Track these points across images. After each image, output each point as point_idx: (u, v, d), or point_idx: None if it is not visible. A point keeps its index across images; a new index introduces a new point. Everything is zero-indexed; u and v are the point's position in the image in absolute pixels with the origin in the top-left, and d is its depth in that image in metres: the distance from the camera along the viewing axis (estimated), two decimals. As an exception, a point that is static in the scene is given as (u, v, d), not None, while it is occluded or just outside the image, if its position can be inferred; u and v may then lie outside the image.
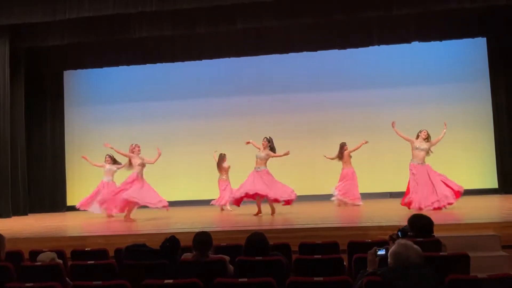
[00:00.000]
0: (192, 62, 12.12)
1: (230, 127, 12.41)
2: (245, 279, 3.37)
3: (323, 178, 10.86)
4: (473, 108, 11.63)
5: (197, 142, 12.26)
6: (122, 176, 9.65)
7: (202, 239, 4.02)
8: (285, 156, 8.97)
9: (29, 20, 10.27)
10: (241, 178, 9.77)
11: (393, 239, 4.16)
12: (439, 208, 7.97)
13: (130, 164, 9.05)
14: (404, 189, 9.33)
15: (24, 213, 11.38)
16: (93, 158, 10.67)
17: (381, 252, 3.45)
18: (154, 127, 12.67)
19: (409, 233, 4.25)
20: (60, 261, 4.24)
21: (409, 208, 8.19)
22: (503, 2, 9.85)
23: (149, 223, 8.45)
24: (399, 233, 4.29)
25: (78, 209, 10.41)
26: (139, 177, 8.93)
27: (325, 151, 10.61)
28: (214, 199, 10.47)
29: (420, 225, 4.26)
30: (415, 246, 3.10)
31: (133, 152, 9.16)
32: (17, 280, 3.97)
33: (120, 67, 12.52)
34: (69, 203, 12.68)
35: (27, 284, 3.46)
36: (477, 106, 11.62)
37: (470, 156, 11.48)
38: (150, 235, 6.67)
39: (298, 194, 9.13)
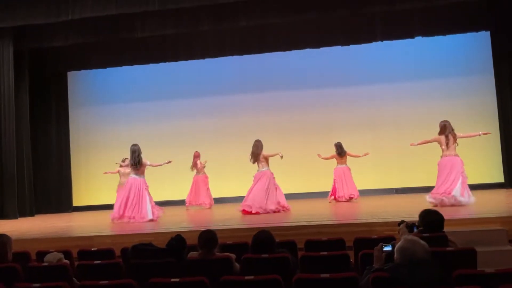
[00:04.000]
0: (196, 60, 12.14)
1: (235, 125, 12.42)
2: (252, 277, 3.36)
3: (329, 175, 10.82)
4: (478, 102, 11.58)
5: (203, 141, 12.27)
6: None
7: (208, 237, 4.02)
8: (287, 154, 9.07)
9: (32, 21, 10.30)
10: (245, 177, 9.80)
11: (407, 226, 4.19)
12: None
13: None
14: (409, 185, 9.32)
15: (30, 214, 11.43)
16: (99, 158, 10.69)
17: (388, 248, 3.44)
18: (158, 127, 12.71)
19: (419, 228, 4.24)
20: (67, 261, 4.25)
21: None
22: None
23: (155, 222, 8.45)
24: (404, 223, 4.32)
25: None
26: None
27: (330, 148, 10.60)
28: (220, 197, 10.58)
29: (431, 220, 4.24)
30: (422, 241, 3.09)
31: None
32: (24, 280, 3.98)
33: (124, 67, 12.55)
34: (75, 203, 12.74)
35: (35, 285, 3.47)
36: (482, 100, 11.56)
37: (475, 150, 11.39)
38: (156, 234, 6.67)
39: (304, 191, 9.16)
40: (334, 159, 10.42)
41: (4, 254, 4.24)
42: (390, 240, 4.24)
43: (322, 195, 10.90)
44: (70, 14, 9.94)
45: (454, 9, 10.70)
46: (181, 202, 11.86)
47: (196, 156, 11.06)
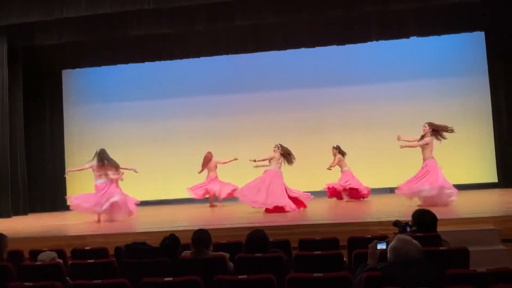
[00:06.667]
0: (191, 59, 12.12)
1: (230, 125, 12.41)
2: (245, 276, 3.36)
3: (322, 174, 10.85)
4: (472, 102, 11.62)
5: (197, 140, 12.25)
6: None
7: (201, 237, 4.02)
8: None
9: (26, 19, 10.23)
10: (240, 176, 9.82)
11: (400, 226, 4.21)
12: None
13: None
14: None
15: (24, 213, 11.37)
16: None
17: (382, 245, 3.45)
18: (153, 125, 12.68)
19: (412, 228, 4.26)
20: (60, 261, 4.24)
21: None
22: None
23: (149, 221, 8.45)
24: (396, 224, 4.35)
25: None
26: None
27: (323, 147, 10.62)
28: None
29: (424, 220, 4.26)
30: (414, 241, 3.10)
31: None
32: (17, 279, 3.97)
33: (119, 65, 12.51)
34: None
35: (27, 284, 3.46)
36: (476, 100, 11.62)
37: (469, 150, 11.48)
38: (150, 233, 6.67)
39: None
40: (339, 162, 10.35)
41: (1, 253, 4.24)
42: (384, 238, 4.26)
43: (317, 194, 10.89)
44: (64, 12, 9.89)
45: (449, 9, 10.74)
46: (175, 201, 11.89)
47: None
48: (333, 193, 10.36)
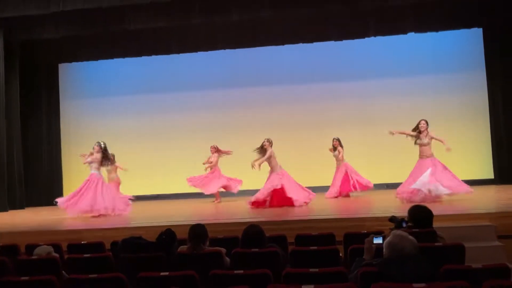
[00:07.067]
0: (188, 54, 12.09)
1: (227, 120, 12.41)
2: (241, 271, 3.36)
3: (320, 169, 10.86)
4: (469, 99, 11.65)
5: (193, 135, 12.25)
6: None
7: (197, 231, 4.03)
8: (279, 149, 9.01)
9: (23, 13, 10.17)
10: (236, 171, 9.82)
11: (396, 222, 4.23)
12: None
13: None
14: (401, 180, 9.34)
15: (21, 207, 11.36)
16: (89, 150, 10.54)
17: (378, 240, 3.45)
18: (149, 120, 12.67)
19: (408, 224, 4.28)
20: (57, 255, 4.24)
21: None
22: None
23: (146, 216, 8.45)
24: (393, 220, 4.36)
25: None
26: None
27: (321, 143, 10.62)
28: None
29: (420, 216, 4.27)
30: (410, 237, 3.11)
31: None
32: (13, 273, 3.96)
33: (115, 59, 12.47)
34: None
35: (23, 278, 3.46)
36: (473, 97, 11.64)
37: (466, 146, 11.50)
38: (147, 228, 6.66)
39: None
40: (340, 155, 10.32)
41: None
42: (380, 232, 4.27)
43: (314, 190, 10.91)
44: (61, 6, 9.83)
45: (446, 5, 10.74)
46: (171, 196, 11.88)
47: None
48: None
